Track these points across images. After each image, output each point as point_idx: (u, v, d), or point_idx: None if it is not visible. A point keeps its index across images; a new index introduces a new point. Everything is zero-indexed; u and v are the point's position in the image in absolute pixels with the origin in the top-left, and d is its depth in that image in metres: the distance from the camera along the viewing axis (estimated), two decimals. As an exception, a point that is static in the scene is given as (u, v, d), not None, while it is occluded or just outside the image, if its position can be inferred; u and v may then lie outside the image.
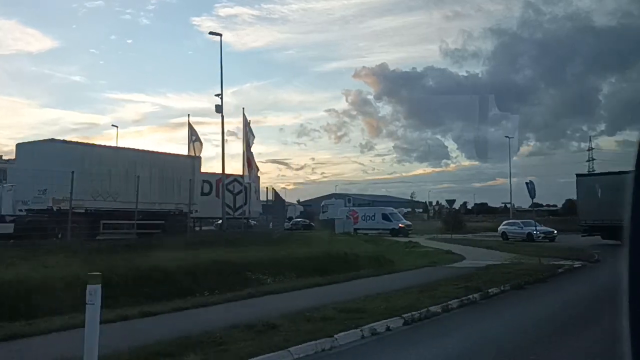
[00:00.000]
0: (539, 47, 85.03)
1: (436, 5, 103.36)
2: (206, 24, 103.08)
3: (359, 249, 25.01)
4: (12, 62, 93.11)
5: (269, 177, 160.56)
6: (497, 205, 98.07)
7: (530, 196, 17.72)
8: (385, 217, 45.04)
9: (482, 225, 55.79)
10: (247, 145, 29.72)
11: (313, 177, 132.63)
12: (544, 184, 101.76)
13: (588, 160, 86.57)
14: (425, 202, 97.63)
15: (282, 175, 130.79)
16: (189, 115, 28.23)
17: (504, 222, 40.47)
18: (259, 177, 39.28)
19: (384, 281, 14.10)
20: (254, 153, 29.80)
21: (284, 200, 43.90)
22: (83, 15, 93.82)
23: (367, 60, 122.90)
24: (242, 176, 32.29)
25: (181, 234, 23.66)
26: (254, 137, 30.13)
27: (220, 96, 26.26)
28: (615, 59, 76.48)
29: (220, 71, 26.75)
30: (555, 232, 34.76)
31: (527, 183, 17.55)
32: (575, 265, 18.15)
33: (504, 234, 37.32)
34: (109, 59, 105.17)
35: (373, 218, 45.54)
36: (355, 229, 42.58)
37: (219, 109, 26.12)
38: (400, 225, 43.76)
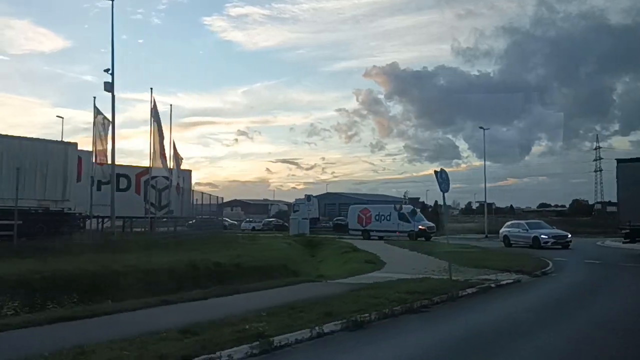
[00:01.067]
0: (552, 46, 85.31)
1: (448, 4, 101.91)
2: (217, 23, 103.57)
3: (272, 255, 20.51)
4: (24, 62, 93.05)
5: (279, 177, 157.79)
6: (504, 205, 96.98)
7: (441, 189, 12.96)
8: (403, 216, 36.50)
9: (467, 226, 50.78)
10: (159, 132, 25.28)
11: (323, 177, 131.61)
12: (555, 184, 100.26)
13: (595, 160, 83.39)
14: (423, 201, 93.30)
15: (292, 175, 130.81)
16: (94, 98, 23.31)
17: (507, 224, 31.49)
18: (189, 171, 34.92)
19: (214, 306, 9.53)
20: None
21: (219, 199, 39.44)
22: (94, 15, 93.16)
23: (378, 59, 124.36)
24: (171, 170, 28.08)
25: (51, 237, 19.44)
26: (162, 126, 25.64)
27: (110, 72, 21.85)
28: (630, 57, 73.25)
29: (111, 41, 22.41)
30: (569, 235, 27.92)
31: (436, 172, 12.78)
32: (502, 282, 13.34)
33: (506, 237, 29.53)
34: (120, 58, 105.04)
35: (388, 218, 37.12)
36: (367, 231, 37.53)
37: (108, 86, 21.73)
38: (420, 227, 35.51)
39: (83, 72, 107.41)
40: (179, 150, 28.46)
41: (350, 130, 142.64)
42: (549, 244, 26.29)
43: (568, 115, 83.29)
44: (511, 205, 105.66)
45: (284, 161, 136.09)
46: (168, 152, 26.65)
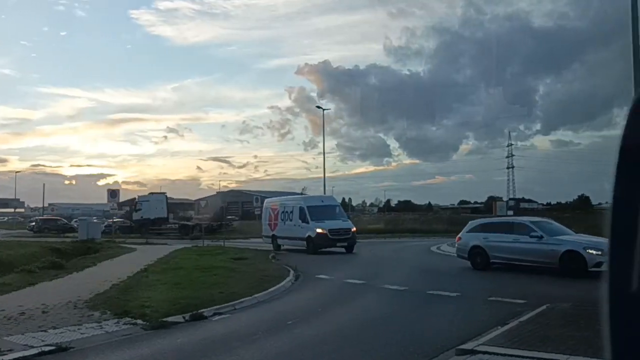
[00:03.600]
0: (479, 47, 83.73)
1: (380, 3, 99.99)
2: (145, 17, 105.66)
3: None
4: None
5: (211, 175, 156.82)
6: (422, 203, 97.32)
7: None
8: (303, 215, 24.04)
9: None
10: None
11: (256, 176, 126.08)
12: (479, 182, 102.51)
13: (508, 156, 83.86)
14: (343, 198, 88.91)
15: (224, 173, 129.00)
16: None
17: (476, 224, 16.84)
18: None
19: None
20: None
21: None
22: (13, 5, 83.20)
23: (311, 57, 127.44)
24: None
25: None
26: None
27: None
28: (551, 60, 74.09)
29: None
30: None
31: None
32: None
33: (475, 251, 15.75)
34: (42, 51, 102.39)
35: (290, 217, 25.08)
36: (275, 237, 26.00)
37: None
38: (318, 231, 22.91)
39: (1, 66, 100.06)
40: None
41: (283, 128, 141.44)
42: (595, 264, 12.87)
43: (494, 115, 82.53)
44: (429, 203, 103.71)
45: (216, 159, 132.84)
46: None
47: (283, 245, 25.40)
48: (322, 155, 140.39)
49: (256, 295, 11.31)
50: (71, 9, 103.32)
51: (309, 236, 23.29)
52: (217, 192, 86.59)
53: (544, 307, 9.55)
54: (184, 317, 9.27)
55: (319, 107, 50.95)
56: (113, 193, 32.68)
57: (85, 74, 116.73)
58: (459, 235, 16.99)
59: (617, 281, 0.96)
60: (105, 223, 46.63)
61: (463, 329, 8.34)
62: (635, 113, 1.01)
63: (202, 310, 9.70)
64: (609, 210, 1.00)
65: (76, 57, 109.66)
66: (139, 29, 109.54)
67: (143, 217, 41.90)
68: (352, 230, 23.78)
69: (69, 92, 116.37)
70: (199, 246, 25.27)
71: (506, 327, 8.14)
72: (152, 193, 43.14)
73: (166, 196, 42.81)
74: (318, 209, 24.22)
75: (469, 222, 17.55)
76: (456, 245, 17.01)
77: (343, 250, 23.00)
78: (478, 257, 15.71)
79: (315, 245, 22.87)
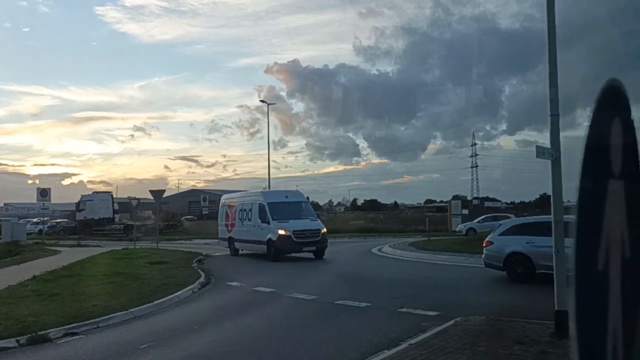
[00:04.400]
0: (447, 47, 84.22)
1: (350, 2, 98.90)
2: (111, 14, 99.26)
3: None
4: None
5: (179, 175, 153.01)
6: (389, 202, 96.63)
7: None
8: (263, 213, 20.20)
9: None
10: None
11: (225, 175, 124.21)
12: (445, 181, 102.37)
13: (472, 156, 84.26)
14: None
15: (192, 173, 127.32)
16: None
17: (509, 225, 13.86)
18: None
19: None
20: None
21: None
22: None
23: (280, 57, 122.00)
24: None
25: None
26: None
27: None
28: (517, 61, 75.05)
29: None
30: None
31: None
32: None
33: (516, 261, 12.55)
34: (3, 48, 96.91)
35: (249, 217, 21.29)
36: (232, 240, 22.51)
37: None
38: (281, 232, 19.06)
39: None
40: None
41: (253, 127, 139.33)
42: None
43: (462, 115, 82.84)
44: (395, 202, 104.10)
45: (184, 158, 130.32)
46: None
47: (242, 250, 22.00)
48: (291, 155, 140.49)
49: (133, 309, 9.73)
50: (34, 4, 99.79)
51: (270, 239, 19.22)
52: (177, 192, 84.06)
53: (452, 322, 8.25)
54: (18, 341, 7.66)
55: (262, 101, 50.51)
56: (43, 192, 30.44)
57: (49, 72, 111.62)
58: (488, 239, 13.31)
59: (583, 263, 1.10)
60: (49, 224, 44.46)
61: (347, 352, 6.96)
62: (599, 111, 1.13)
63: (49, 331, 8.09)
64: (577, 201, 1.10)
65: (39, 54, 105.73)
66: (105, 26, 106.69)
67: (87, 218, 39.86)
68: (322, 231, 19.49)
69: (32, 90, 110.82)
70: (129, 249, 23.47)
71: (393, 351, 6.79)
72: (96, 192, 40.97)
73: (112, 195, 40.69)
74: (281, 207, 19.97)
75: (502, 223, 14.36)
76: (484, 251, 13.27)
77: (311, 255, 19.24)
78: (519, 267, 12.35)
79: (277, 251, 18.94)
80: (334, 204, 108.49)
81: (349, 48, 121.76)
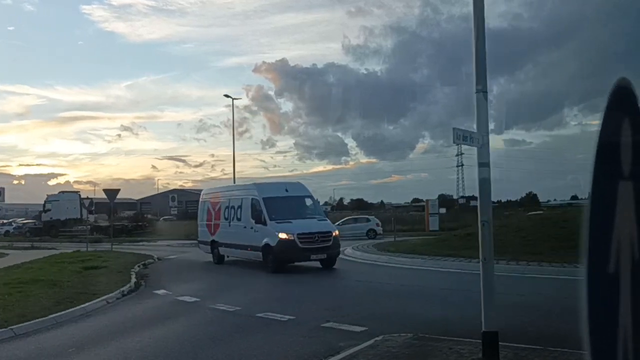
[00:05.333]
0: (436, 46, 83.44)
1: (339, 1, 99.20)
2: (98, 13, 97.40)
3: None
4: None
5: (166, 175, 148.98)
6: (375, 201, 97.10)
7: None
8: (257, 211, 16.18)
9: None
10: None
11: (213, 175, 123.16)
12: (433, 181, 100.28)
13: (457, 155, 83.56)
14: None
15: (180, 172, 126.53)
16: None
17: None
18: None
19: None
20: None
21: None
22: None
23: (269, 56, 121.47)
24: None
25: None
26: None
27: None
28: (504, 60, 74.70)
29: None
30: None
31: None
32: None
33: None
34: None
35: (238, 215, 17.32)
36: (215, 243, 18.51)
37: None
38: (282, 236, 15.14)
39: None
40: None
41: (241, 126, 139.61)
42: None
43: (450, 114, 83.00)
44: (382, 201, 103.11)
45: (171, 158, 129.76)
46: None
47: (228, 256, 18.06)
48: (280, 154, 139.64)
49: (14, 326, 8.39)
50: (19, 2, 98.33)
51: (267, 245, 15.30)
52: (158, 192, 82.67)
53: (371, 341, 6.98)
54: None
55: (227, 95, 48.00)
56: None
57: (35, 71, 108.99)
58: None
59: (595, 264, 1.10)
60: (14, 225, 42.93)
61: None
62: (610, 111, 1.13)
63: None
64: (588, 201, 1.10)
65: (25, 53, 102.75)
66: (92, 24, 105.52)
67: (52, 218, 38.31)
68: (334, 234, 15.70)
69: (17, 89, 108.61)
70: (80, 251, 22.06)
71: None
72: (62, 192, 39.47)
73: (79, 195, 39.11)
74: (280, 203, 16.00)
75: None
76: None
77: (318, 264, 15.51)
78: None
79: (278, 259, 15.00)
80: (321, 203, 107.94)
81: (338, 47, 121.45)
